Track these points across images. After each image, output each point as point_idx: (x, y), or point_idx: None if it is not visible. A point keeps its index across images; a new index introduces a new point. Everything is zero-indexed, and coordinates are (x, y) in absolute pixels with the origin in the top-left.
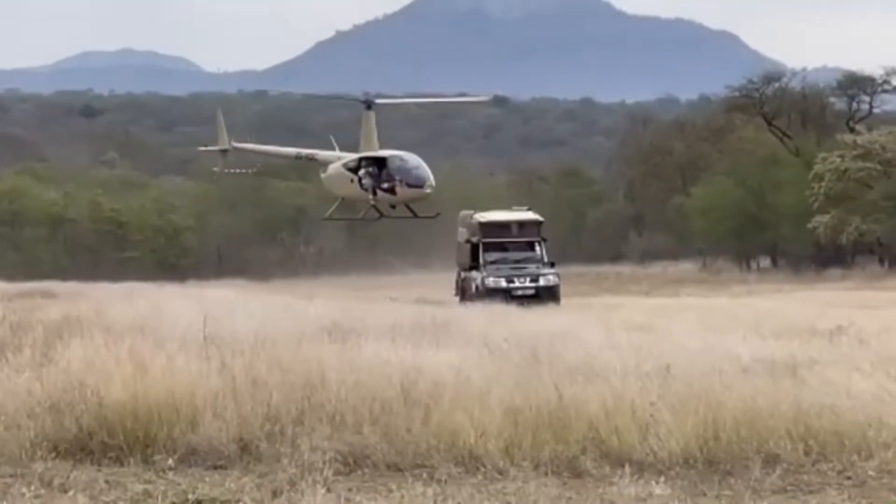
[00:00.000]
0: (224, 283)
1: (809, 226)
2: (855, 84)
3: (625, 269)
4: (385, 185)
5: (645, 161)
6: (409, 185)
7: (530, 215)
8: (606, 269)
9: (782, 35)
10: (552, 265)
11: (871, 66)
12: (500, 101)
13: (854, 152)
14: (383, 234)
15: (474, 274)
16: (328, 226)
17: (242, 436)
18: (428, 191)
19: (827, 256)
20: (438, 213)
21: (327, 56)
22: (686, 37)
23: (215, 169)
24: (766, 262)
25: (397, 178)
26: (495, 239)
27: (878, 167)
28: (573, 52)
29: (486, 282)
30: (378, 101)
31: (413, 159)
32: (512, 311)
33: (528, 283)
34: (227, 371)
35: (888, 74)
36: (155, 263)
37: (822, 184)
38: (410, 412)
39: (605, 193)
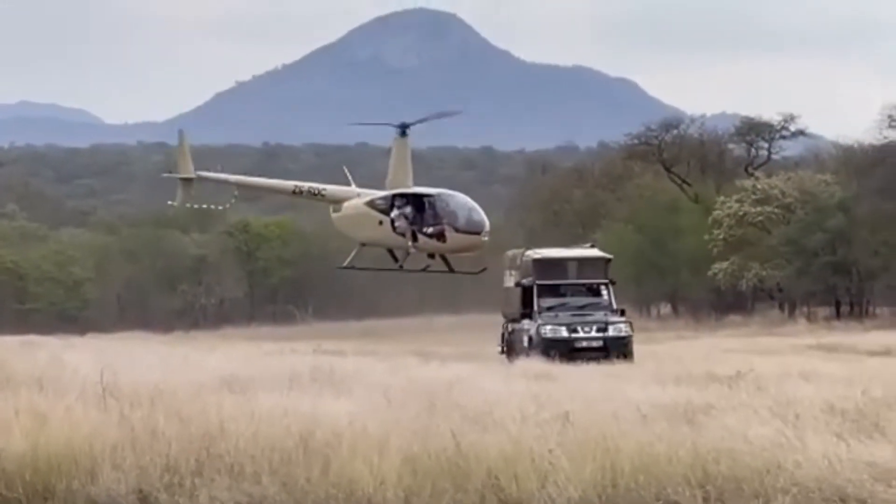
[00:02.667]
0: (125, 335)
1: (709, 272)
2: (753, 130)
3: None
4: (430, 230)
5: (544, 209)
6: (461, 231)
7: (595, 252)
8: None
9: (680, 82)
10: (622, 313)
11: (769, 111)
12: None
13: (753, 197)
14: (283, 284)
15: (526, 324)
16: (229, 276)
17: (141, 487)
18: (483, 238)
19: (727, 303)
20: (485, 269)
21: (227, 107)
22: (585, 84)
23: (172, 203)
24: (666, 308)
25: (445, 221)
26: (553, 281)
27: (777, 212)
28: (473, 100)
29: (543, 332)
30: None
31: (464, 199)
32: (410, 361)
33: (594, 334)
34: (126, 422)
35: (786, 120)
36: (56, 315)
37: (722, 230)
38: (309, 462)
39: (506, 241)
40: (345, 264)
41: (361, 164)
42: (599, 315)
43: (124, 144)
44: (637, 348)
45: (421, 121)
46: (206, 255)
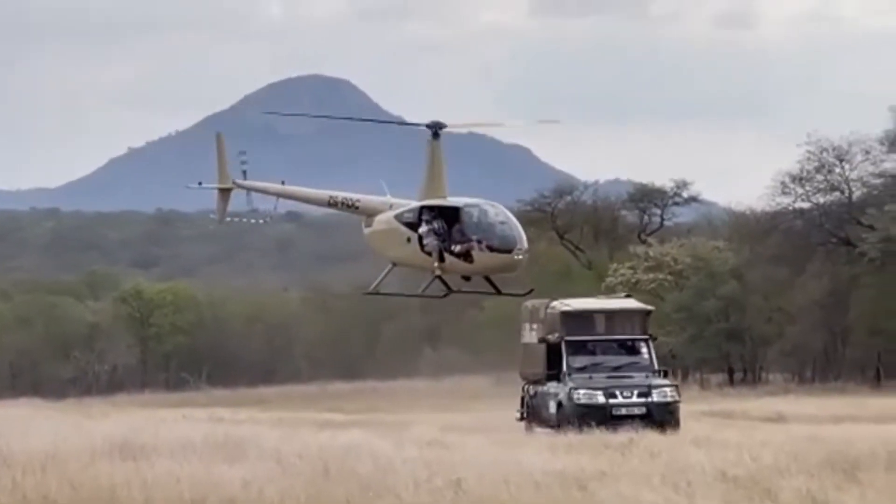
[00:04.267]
0: (17, 402)
1: None
2: (646, 196)
3: (419, 383)
4: (457, 248)
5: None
6: (492, 249)
7: (632, 304)
8: (400, 383)
9: (574, 148)
10: (665, 374)
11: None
12: (293, 216)
13: (646, 264)
14: (176, 351)
15: (553, 387)
16: (122, 343)
17: None
18: (518, 257)
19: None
20: (532, 290)
21: (121, 173)
22: (479, 151)
23: (213, 216)
24: None
25: (474, 237)
26: (585, 336)
27: (670, 279)
28: (364, 166)
29: (576, 397)
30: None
31: (497, 211)
32: (304, 427)
33: (635, 399)
34: (18, 489)
35: (679, 187)
36: None
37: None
38: None
39: (400, 308)
40: (371, 289)
41: (254, 230)
42: (640, 377)
43: (16, 210)
44: None
45: (461, 126)
46: (100, 322)
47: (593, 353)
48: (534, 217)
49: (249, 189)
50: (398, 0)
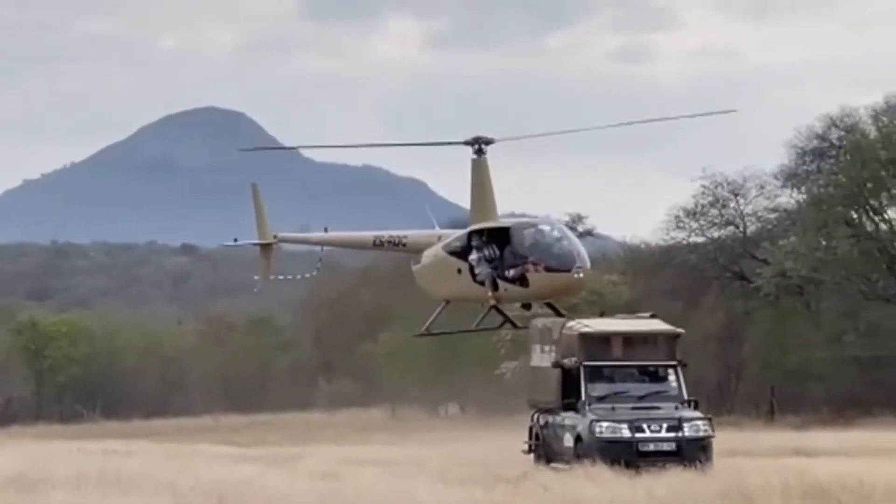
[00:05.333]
0: None
1: (497, 371)
2: None
3: (313, 416)
4: (511, 272)
5: (332, 308)
6: (549, 269)
7: (659, 325)
8: (295, 416)
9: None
10: (696, 405)
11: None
12: (188, 249)
13: None
14: (71, 382)
15: (570, 418)
16: (16, 375)
17: None
18: (578, 276)
19: (515, 402)
20: (603, 313)
21: (15, 205)
22: (374, 184)
23: (257, 278)
24: (454, 408)
25: (530, 258)
26: (607, 361)
27: (566, 313)
28: (264, 199)
29: (597, 430)
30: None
31: (553, 228)
32: (198, 459)
33: (664, 434)
34: None
35: (574, 221)
36: None
37: (510, 330)
38: None
39: (294, 341)
40: (423, 330)
41: (149, 263)
42: (669, 408)
43: None
44: (423, 449)
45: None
46: None
47: (615, 380)
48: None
49: (293, 242)
50: (292, 33)
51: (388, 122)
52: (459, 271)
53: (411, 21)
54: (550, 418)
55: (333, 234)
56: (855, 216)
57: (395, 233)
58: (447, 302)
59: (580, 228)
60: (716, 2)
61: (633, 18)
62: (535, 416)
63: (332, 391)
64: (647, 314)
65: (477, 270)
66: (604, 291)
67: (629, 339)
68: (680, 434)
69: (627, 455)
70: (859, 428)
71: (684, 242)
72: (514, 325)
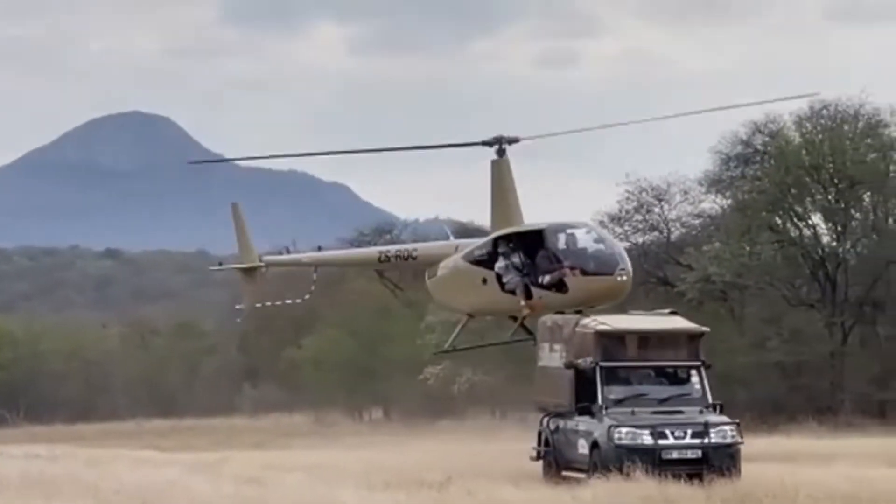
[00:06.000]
0: None
1: (421, 377)
2: (466, 235)
3: (238, 421)
4: (546, 279)
5: (258, 313)
6: (591, 273)
7: (683, 323)
8: (219, 421)
9: (393, 186)
10: (721, 409)
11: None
12: (112, 254)
13: None
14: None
15: (584, 423)
16: None
17: None
18: (622, 279)
19: (439, 407)
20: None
21: None
22: (299, 188)
23: (239, 307)
24: (378, 413)
25: (568, 262)
26: (624, 362)
27: (489, 318)
28: (187, 204)
29: (616, 436)
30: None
31: (589, 229)
32: (122, 464)
33: (689, 440)
34: None
35: None
36: None
37: (435, 335)
38: None
39: (219, 346)
40: (447, 346)
41: (73, 267)
42: (693, 412)
43: None
44: (347, 454)
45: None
46: None
47: (634, 382)
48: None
49: (282, 265)
50: (216, 38)
51: (312, 127)
52: (485, 281)
53: (335, 26)
54: (562, 423)
55: (330, 254)
56: (779, 222)
57: (402, 247)
58: (470, 316)
59: None
60: (640, 8)
61: (556, 24)
62: (545, 420)
63: (256, 396)
64: (666, 311)
65: (505, 279)
66: None
67: (649, 338)
68: (706, 440)
69: (649, 463)
70: (782, 433)
71: None
72: (531, 336)
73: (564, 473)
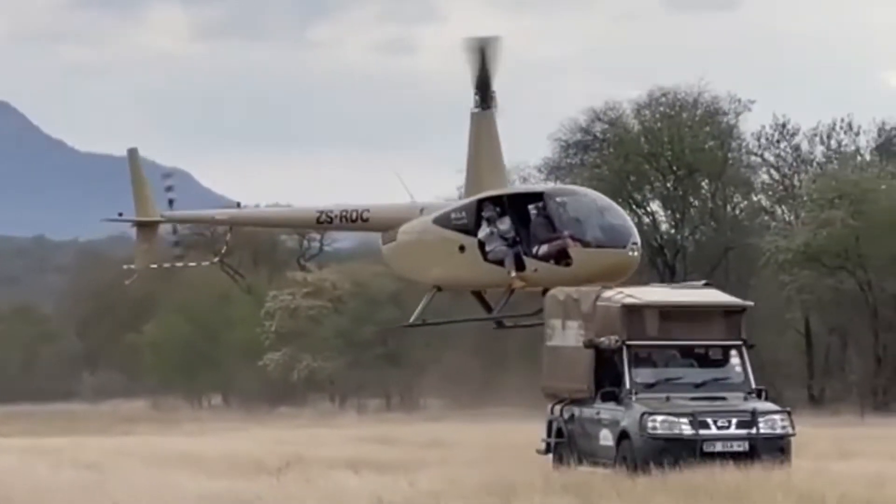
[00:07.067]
0: None
1: (261, 363)
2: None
3: (77, 407)
4: (544, 249)
5: (98, 298)
6: (597, 245)
7: (721, 297)
8: (58, 407)
9: (235, 173)
10: (766, 395)
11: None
12: None
13: (305, 290)
14: None
15: (608, 410)
16: None
17: None
18: (633, 254)
19: (279, 394)
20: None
21: None
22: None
23: (128, 267)
24: (217, 399)
25: (571, 231)
26: (656, 341)
27: (329, 304)
28: (25, 189)
29: (650, 425)
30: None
31: (592, 196)
32: None
33: (734, 430)
34: None
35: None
36: None
37: (274, 322)
38: None
39: (58, 331)
40: (413, 319)
41: None
42: (735, 398)
43: None
44: (187, 440)
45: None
46: None
47: (665, 364)
48: (192, 241)
49: (189, 221)
50: (57, 22)
51: (152, 113)
52: (462, 249)
53: (178, 11)
54: (578, 411)
55: (251, 212)
56: None
57: (350, 205)
58: (438, 288)
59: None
60: None
61: (396, 11)
62: (557, 408)
63: (96, 382)
64: (700, 282)
65: (490, 247)
66: (368, 283)
67: (684, 314)
68: (754, 431)
69: (689, 457)
70: None
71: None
72: (501, 324)
73: (582, 468)
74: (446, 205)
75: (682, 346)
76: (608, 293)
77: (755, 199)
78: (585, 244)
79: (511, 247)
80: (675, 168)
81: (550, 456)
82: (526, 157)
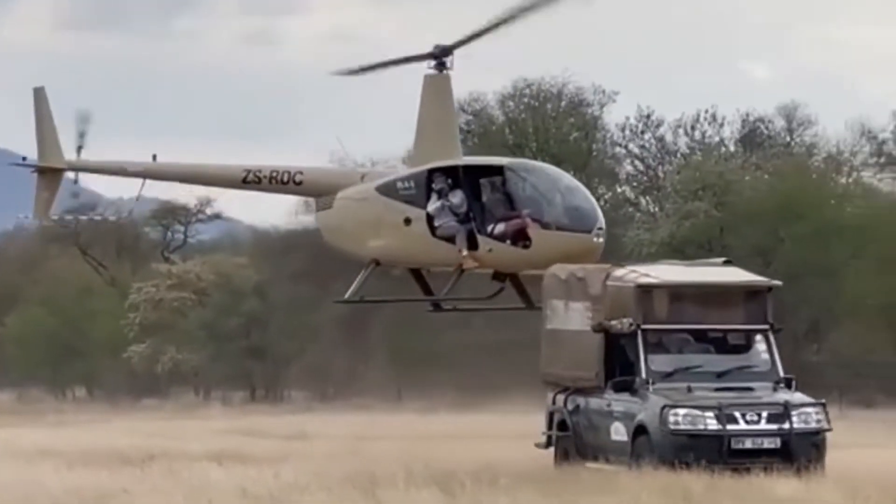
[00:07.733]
0: None
1: (125, 355)
2: (170, 214)
3: None
4: (500, 228)
5: None
6: (559, 228)
7: (743, 276)
8: None
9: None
10: (795, 385)
11: (188, 196)
12: None
13: (169, 282)
14: None
15: (621, 402)
16: None
17: None
18: (598, 240)
19: (142, 386)
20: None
21: None
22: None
23: (22, 216)
24: (81, 391)
25: (530, 211)
26: (675, 325)
27: (193, 296)
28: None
29: (671, 419)
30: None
31: (557, 173)
32: None
33: (764, 425)
34: None
35: (202, 204)
36: None
37: (138, 314)
38: None
39: None
40: (348, 296)
41: None
42: (764, 389)
43: None
44: (50, 432)
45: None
46: None
47: (684, 350)
48: (57, 233)
49: (93, 171)
50: None
51: (16, 105)
52: (408, 222)
53: (43, 1)
54: (584, 401)
55: (168, 166)
56: None
57: (281, 166)
58: (377, 263)
59: (208, 211)
60: None
61: (261, 2)
62: (559, 397)
63: None
64: (720, 260)
65: (439, 221)
66: (232, 274)
67: (703, 295)
68: (786, 426)
69: (714, 454)
70: (489, 412)
71: (313, 227)
72: (439, 306)
73: (589, 465)
74: (391, 172)
75: (702, 330)
76: (619, 272)
77: (620, 190)
78: (546, 225)
79: (463, 223)
80: (539, 159)
81: (552, 450)
82: (393, 149)
